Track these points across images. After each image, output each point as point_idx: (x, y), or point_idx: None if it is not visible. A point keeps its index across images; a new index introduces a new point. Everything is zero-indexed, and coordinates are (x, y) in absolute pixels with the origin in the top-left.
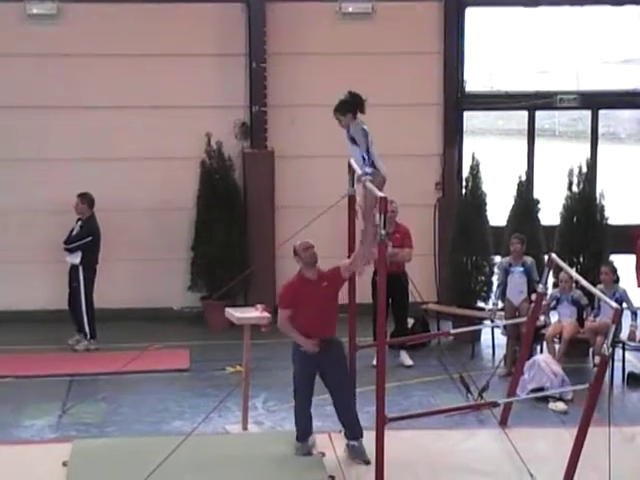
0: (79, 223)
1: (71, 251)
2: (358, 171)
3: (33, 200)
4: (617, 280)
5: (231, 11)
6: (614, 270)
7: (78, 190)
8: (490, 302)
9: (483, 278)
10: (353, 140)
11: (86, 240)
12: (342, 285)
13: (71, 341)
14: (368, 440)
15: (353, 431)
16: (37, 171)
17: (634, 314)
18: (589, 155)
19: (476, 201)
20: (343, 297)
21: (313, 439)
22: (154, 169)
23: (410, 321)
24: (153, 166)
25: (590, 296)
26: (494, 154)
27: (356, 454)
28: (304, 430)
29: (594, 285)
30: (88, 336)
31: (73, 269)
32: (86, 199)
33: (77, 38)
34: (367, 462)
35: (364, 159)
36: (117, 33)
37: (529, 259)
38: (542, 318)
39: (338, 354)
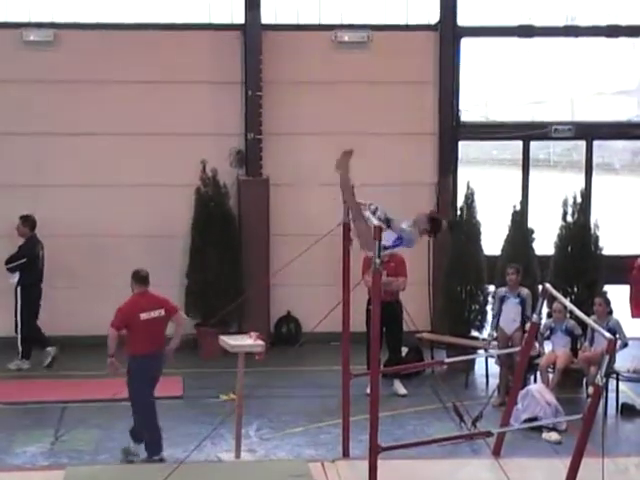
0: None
1: (11, 271)
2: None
3: None
4: (610, 312)
5: (227, 39)
6: (608, 302)
7: (71, 216)
8: (486, 332)
9: (477, 307)
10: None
11: (20, 262)
12: None
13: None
14: (362, 469)
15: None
16: (32, 197)
17: (625, 345)
18: (584, 185)
19: (471, 230)
20: (337, 326)
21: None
22: (149, 196)
23: (404, 350)
24: (148, 193)
25: (584, 326)
26: (489, 184)
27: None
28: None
29: (588, 315)
30: (20, 355)
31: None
32: (28, 222)
33: (73, 65)
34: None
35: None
36: (113, 60)
37: (525, 290)
38: (536, 347)
39: None
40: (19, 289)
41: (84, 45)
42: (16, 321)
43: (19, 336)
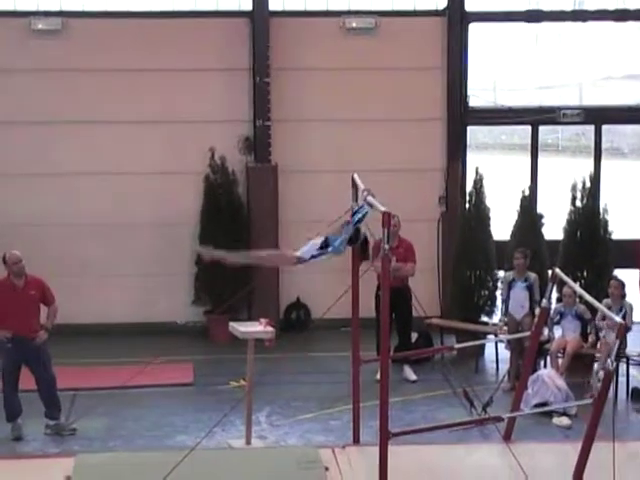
0: None
1: None
2: (361, 186)
3: (39, 214)
4: (624, 295)
5: (235, 26)
6: (623, 285)
7: (81, 203)
8: (497, 318)
9: (486, 292)
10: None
11: None
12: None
13: None
14: (372, 455)
15: (52, 412)
16: (39, 186)
17: (627, 329)
18: (592, 170)
19: (480, 215)
20: (347, 312)
21: (20, 422)
22: (158, 184)
23: (413, 336)
24: (157, 181)
25: (594, 310)
26: (497, 169)
27: (55, 430)
28: (12, 413)
29: (598, 300)
30: None
31: None
32: None
33: (81, 53)
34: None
35: None
36: (121, 48)
37: (532, 275)
38: (546, 333)
39: (41, 347)
40: None
41: (92, 33)
42: None
43: None
